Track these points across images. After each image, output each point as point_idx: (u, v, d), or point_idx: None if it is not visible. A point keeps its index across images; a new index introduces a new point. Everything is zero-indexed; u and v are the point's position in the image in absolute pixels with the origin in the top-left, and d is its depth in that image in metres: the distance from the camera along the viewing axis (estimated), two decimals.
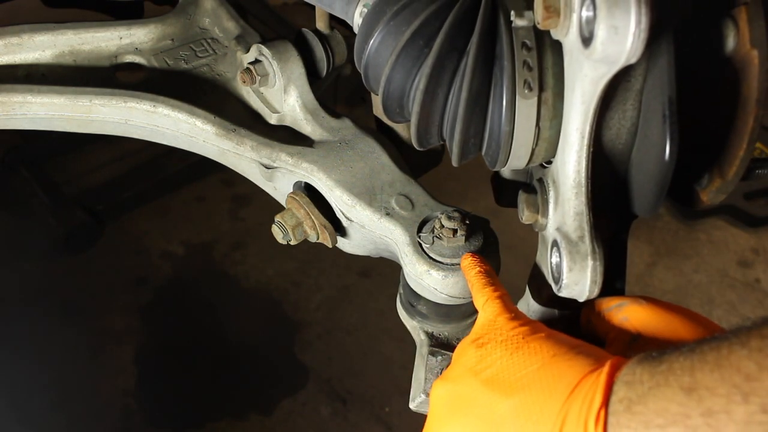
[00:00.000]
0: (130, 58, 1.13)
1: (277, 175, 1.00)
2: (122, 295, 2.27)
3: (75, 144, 2.51)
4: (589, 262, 0.71)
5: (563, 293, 0.72)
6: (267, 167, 1.00)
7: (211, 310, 2.27)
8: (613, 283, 0.78)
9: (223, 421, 2.03)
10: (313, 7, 1.08)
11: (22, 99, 1.02)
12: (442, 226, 0.85)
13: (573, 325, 0.79)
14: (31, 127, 1.07)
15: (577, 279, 0.71)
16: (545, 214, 0.76)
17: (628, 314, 0.71)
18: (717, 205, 2.77)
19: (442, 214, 0.86)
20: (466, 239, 0.85)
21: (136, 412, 2.02)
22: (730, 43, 0.74)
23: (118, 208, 2.43)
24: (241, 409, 2.06)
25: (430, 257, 0.85)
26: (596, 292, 0.72)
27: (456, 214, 0.85)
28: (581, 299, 0.73)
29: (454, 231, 0.85)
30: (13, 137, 2.37)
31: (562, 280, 0.71)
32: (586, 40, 0.60)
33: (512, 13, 0.71)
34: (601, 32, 0.58)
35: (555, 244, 0.73)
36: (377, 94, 0.81)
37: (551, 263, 0.74)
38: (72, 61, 1.10)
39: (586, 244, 0.71)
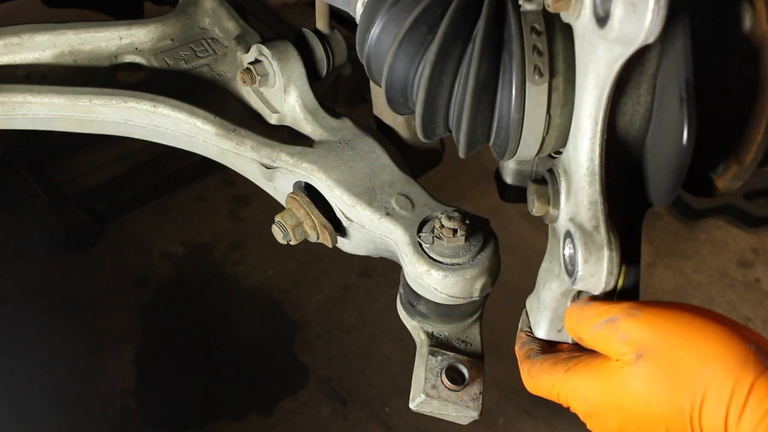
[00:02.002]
0: (130, 58, 1.13)
1: (277, 175, 1.00)
2: (122, 295, 2.26)
3: (75, 144, 2.51)
4: (606, 253, 0.68)
5: (578, 286, 0.70)
6: (267, 167, 1.00)
7: (211, 310, 2.27)
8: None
9: (223, 421, 2.03)
10: (313, 7, 1.09)
11: (22, 99, 1.02)
12: (442, 226, 0.85)
13: None
14: (31, 127, 1.07)
15: (593, 270, 0.69)
16: (556, 205, 0.74)
17: (626, 331, 0.67)
18: (716, 206, 2.76)
19: (443, 214, 0.86)
20: (466, 239, 0.85)
21: (136, 412, 2.02)
22: (747, 23, 0.71)
23: (118, 208, 2.43)
24: (241, 409, 2.06)
25: (430, 257, 0.85)
26: (612, 283, 0.70)
27: (456, 214, 0.85)
28: (596, 292, 0.71)
29: (454, 231, 0.85)
30: (13, 137, 2.37)
31: (577, 272, 0.69)
32: (601, 20, 0.58)
33: None
34: (618, 10, 0.56)
35: (568, 235, 0.71)
36: (380, 86, 0.79)
37: (565, 255, 0.72)
38: (72, 61, 1.10)
39: (602, 234, 0.69)
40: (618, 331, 0.66)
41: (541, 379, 0.75)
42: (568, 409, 0.73)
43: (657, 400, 0.64)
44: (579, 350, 0.76)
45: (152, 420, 2.01)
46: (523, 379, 0.79)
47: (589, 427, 0.73)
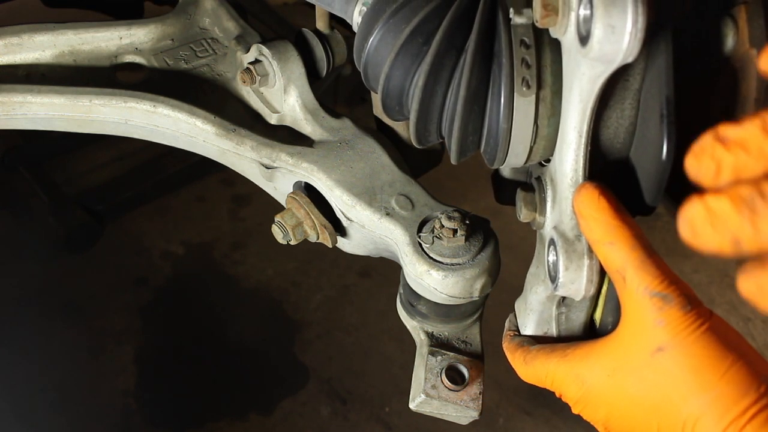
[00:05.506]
0: (130, 58, 1.13)
1: (277, 175, 1.00)
2: (122, 295, 2.27)
3: (75, 144, 2.51)
4: (586, 261, 0.71)
5: (560, 292, 0.72)
6: (267, 167, 1.00)
7: (211, 310, 2.27)
8: None
9: (223, 421, 2.03)
10: (313, 7, 1.09)
11: (22, 99, 1.02)
12: (442, 226, 0.85)
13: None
14: (31, 127, 1.07)
15: (574, 278, 0.71)
16: (543, 212, 0.76)
17: (667, 318, 0.65)
18: None
19: (442, 214, 0.86)
20: (466, 239, 0.85)
21: (136, 412, 2.02)
22: (729, 42, 0.74)
23: (118, 208, 2.43)
24: (241, 409, 2.06)
25: (430, 257, 0.85)
26: (592, 291, 0.72)
27: (456, 214, 0.86)
28: (577, 298, 0.73)
29: (454, 231, 0.85)
30: (13, 137, 2.38)
31: (559, 279, 0.71)
32: (583, 39, 0.61)
33: (511, 10, 0.71)
34: (597, 31, 0.58)
35: (552, 242, 0.73)
36: (377, 93, 0.81)
37: (548, 262, 0.74)
38: (72, 61, 1.10)
39: (583, 243, 0.71)
40: (662, 311, 0.64)
41: (536, 365, 0.76)
42: (560, 399, 0.74)
43: (661, 396, 0.65)
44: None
45: (152, 420, 2.02)
46: (516, 366, 0.79)
47: (577, 412, 0.73)
